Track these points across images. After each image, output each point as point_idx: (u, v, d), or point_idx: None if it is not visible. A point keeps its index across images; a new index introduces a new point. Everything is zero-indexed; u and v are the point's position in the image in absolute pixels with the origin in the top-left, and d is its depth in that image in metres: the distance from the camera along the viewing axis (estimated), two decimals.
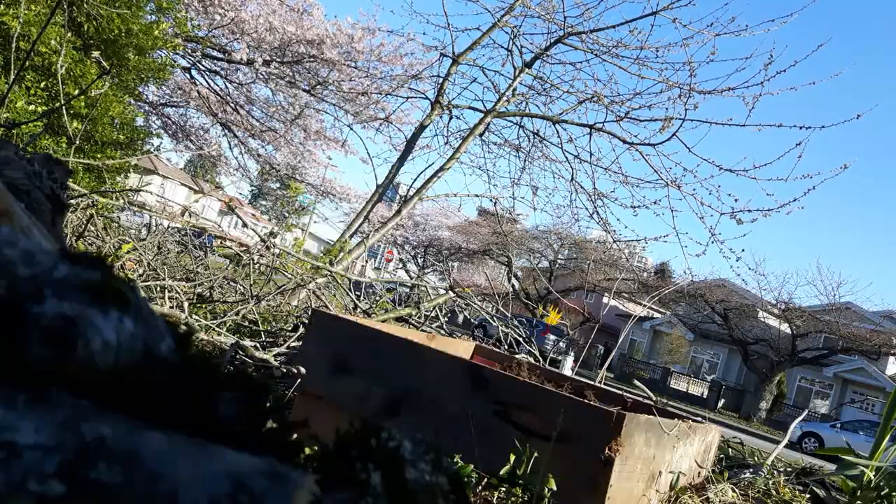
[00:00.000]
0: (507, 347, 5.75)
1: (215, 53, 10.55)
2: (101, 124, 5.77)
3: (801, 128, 6.05)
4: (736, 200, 6.41)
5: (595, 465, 1.71)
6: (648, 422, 1.97)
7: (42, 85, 5.29)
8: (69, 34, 5.36)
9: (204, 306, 4.43)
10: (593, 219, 7.89)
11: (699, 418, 2.98)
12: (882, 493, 2.78)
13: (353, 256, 7.13)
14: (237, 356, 2.89)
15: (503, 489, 1.78)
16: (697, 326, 32.96)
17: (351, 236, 7.31)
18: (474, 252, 34.88)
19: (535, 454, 1.75)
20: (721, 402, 28.13)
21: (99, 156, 5.80)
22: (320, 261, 6.23)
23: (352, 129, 16.93)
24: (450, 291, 6.02)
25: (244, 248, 5.12)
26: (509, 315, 6.28)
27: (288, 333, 3.86)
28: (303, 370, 2.13)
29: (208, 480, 0.33)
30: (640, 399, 3.07)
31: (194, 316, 3.76)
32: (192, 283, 4.47)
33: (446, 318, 5.59)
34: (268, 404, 0.43)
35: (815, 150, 7.17)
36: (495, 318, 6.00)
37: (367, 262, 43.27)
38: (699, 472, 2.77)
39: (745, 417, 26.69)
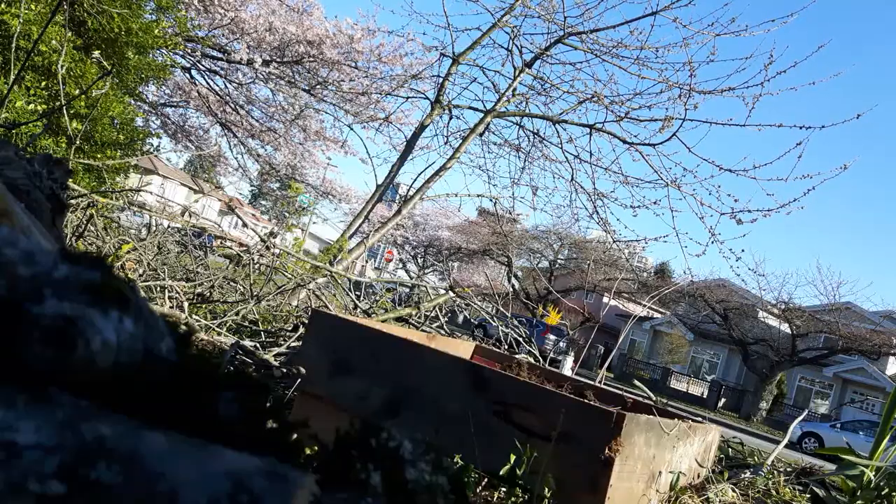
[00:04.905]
0: (507, 347, 5.74)
1: (215, 53, 10.54)
2: (101, 124, 5.76)
3: (801, 128, 6.06)
4: (736, 200, 6.42)
5: (595, 465, 1.71)
6: (648, 422, 1.97)
7: (42, 85, 5.29)
8: (69, 34, 5.36)
9: (204, 306, 4.43)
10: (593, 219, 7.90)
11: (699, 418, 2.98)
12: (882, 493, 2.78)
13: (353, 256, 7.13)
14: (237, 356, 2.89)
15: (503, 489, 1.78)
16: (697, 326, 32.95)
17: (351, 236, 7.31)
18: (474, 252, 34.87)
19: (535, 454, 1.75)
20: (721, 402, 28.15)
21: (99, 156, 5.79)
22: (320, 261, 6.23)
23: (352, 129, 16.93)
24: (450, 291, 6.02)
25: (244, 248, 5.12)
26: (509, 315, 6.28)
27: (288, 333, 3.86)
28: (303, 370, 2.13)
29: (208, 480, 0.33)
30: (640, 399, 3.07)
31: (194, 316, 3.76)
32: (192, 283, 4.47)
33: (446, 318, 5.58)
34: (268, 404, 0.43)
35: (816, 151, 7.18)
36: (495, 318, 6.00)
37: (367, 262, 43.23)
38: (699, 472, 2.77)
39: (745, 417, 26.69)
